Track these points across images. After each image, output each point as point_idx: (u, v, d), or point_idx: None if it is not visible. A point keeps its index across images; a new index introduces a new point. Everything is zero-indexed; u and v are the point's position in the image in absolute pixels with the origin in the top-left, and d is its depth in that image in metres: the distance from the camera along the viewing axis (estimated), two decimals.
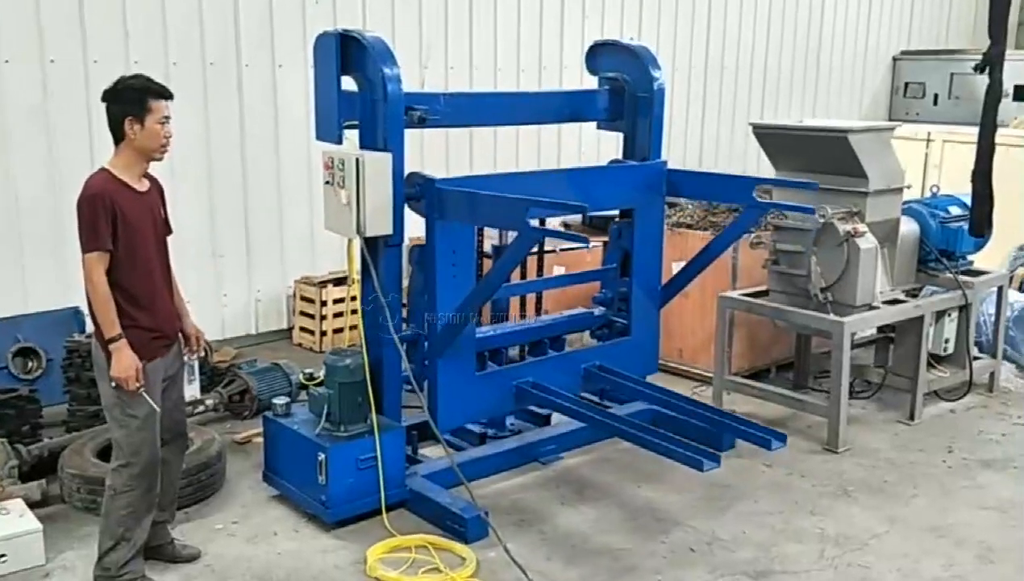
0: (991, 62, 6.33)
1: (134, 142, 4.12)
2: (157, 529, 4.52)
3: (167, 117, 4.17)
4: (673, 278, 6.31)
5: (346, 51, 4.99)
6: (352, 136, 5.12)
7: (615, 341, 6.12)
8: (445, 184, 5.08)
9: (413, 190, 5.08)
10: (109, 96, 4.16)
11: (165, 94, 4.19)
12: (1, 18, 6.56)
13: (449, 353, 5.16)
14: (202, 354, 5.11)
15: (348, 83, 5.08)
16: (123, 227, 4.09)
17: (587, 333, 6.53)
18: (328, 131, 5.04)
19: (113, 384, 4.12)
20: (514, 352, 6.00)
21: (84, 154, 6.65)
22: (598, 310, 6.25)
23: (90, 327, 4.39)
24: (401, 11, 8.53)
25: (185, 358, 4.59)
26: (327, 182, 5.01)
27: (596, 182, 5.86)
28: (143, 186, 4.26)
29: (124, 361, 4.08)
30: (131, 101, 4.10)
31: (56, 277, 6.78)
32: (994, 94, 6.40)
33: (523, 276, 6.30)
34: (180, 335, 4.51)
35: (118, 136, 4.16)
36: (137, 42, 7.12)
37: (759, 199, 5.71)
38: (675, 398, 5.81)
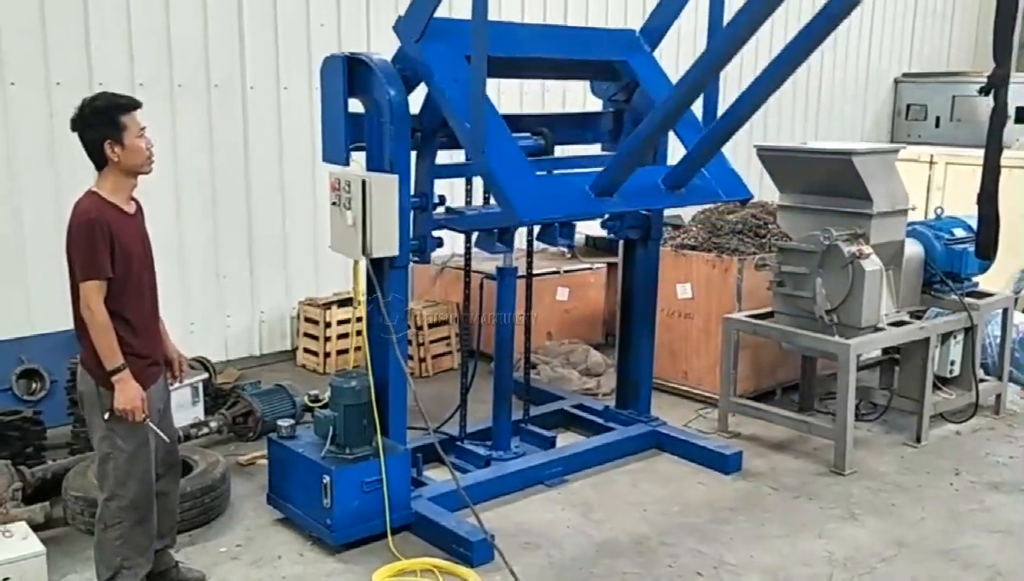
0: (995, 84, 6.31)
1: (120, 164, 3.97)
2: (160, 555, 4.45)
3: (143, 128, 4.01)
4: (730, 107, 5.34)
5: (353, 74, 5.02)
6: (359, 157, 5.14)
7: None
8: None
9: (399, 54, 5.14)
10: (78, 124, 3.96)
11: (133, 104, 3.99)
12: (7, 42, 6.60)
13: (493, 141, 4.80)
14: (183, 380, 4.87)
15: (355, 105, 5.10)
16: (119, 252, 3.96)
17: None
18: (335, 153, 5.07)
19: (106, 416, 3.99)
20: None
21: (89, 176, 6.50)
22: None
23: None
24: None
25: (169, 383, 4.42)
26: (333, 203, 5.02)
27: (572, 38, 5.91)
28: (131, 208, 4.13)
29: (129, 391, 3.95)
30: (103, 124, 3.92)
31: (60, 298, 6.65)
32: (999, 116, 6.39)
33: (528, 304, 6.15)
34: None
35: (100, 162, 3.99)
36: (142, 64, 7.15)
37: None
38: None
